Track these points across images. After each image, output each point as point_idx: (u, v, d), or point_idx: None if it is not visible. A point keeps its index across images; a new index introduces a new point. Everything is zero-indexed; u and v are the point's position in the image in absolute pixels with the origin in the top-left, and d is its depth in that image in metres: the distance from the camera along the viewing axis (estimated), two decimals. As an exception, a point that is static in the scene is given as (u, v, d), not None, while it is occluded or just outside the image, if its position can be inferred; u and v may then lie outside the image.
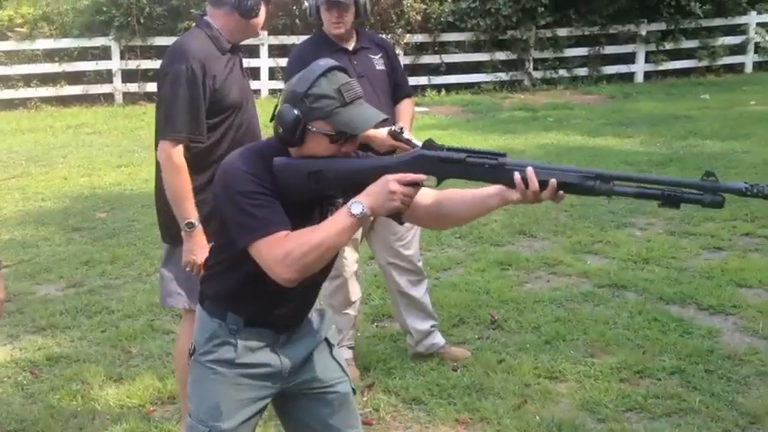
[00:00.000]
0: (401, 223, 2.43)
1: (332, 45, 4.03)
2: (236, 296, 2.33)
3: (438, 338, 4.33)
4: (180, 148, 3.21)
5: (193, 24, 3.51)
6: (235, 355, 2.35)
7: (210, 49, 3.29)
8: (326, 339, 2.52)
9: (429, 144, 2.24)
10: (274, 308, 2.33)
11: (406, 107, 4.21)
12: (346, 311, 4.19)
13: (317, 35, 4.18)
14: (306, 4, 4.06)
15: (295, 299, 2.35)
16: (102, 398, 3.97)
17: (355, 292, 4.22)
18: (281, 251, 2.13)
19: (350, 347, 4.23)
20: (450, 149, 2.23)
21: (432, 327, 4.31)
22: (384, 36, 13.93)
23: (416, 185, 2.18)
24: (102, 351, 4.51)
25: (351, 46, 4.09)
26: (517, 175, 2.12)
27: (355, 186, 2.19)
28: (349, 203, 2.14)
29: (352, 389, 2.56)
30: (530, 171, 2.12)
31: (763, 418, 3.60)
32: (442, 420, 3.70)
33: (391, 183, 2.13)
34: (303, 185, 2.19)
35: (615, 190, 2.12)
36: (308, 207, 2.24)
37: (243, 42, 3.51)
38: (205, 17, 3.40)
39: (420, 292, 4.29)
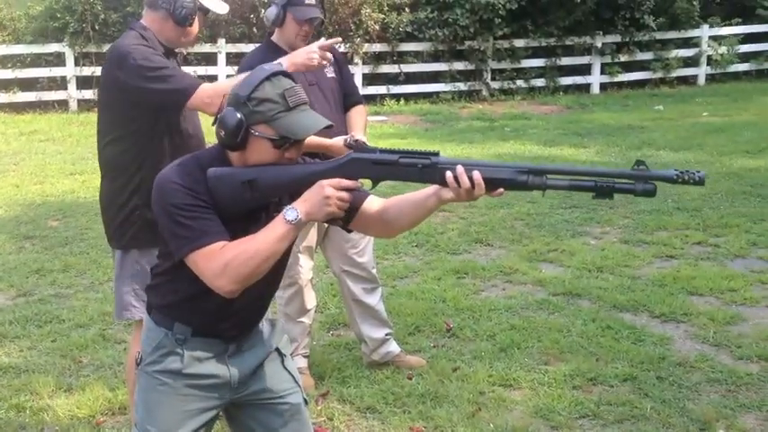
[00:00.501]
0: (348, 231, 2.42)
1: (283, 54, 3.92)
2: (183, 307, 2.31)
3: (393, 347, 4.33)
4: (203, 86, 3.18)
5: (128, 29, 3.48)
6: (181, 365, 2.31)
7: (144, 49, 3.28)
8: (278, 349, 2.50)
9: (362, 146, 2.25)
10: (222, 318, 2.31)
11: (357, 114, 4.19)
12: (301, 320, 4.16)
13: (267, 44, 4.12)
14: (269, 11, 3.95)
15: (243, 310, 2.33)
16: (52, 409, 3.89)
17: (310, 300, 4.20)
18: (219, 263, 2.11)
19: (305, 356, 4.21)
20: (382, 151, 2.23)
21: (387, 335, 4.31)
22: (342, 45, 13.99)
23: (351, 190, 2.18)
24: (52, 361, 4.42)
25: None
26: (449, 174, 2.13)
27: (292, 193, 2.18)
28: (284, 210, 2.13)
29: (304, 399, 2.54)
30: (459, 169, 2.13)
31: (712, 424, 3.65)
32: (396, 429, 3.69)
33: (326, 188, 2.14)
34: (238, 195, 2.17)
35: (548, 184, 2.14)
36: (254, 212, 2.22)
37: (201, 51, 3.53)
38: (140, 21, 3.41)
39: (374, 299, 4.28)
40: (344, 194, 2.16)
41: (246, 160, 2.21)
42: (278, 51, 3.97)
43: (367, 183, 2.28)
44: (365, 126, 4.20)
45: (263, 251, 2.11)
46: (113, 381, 4.15)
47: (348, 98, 4.20)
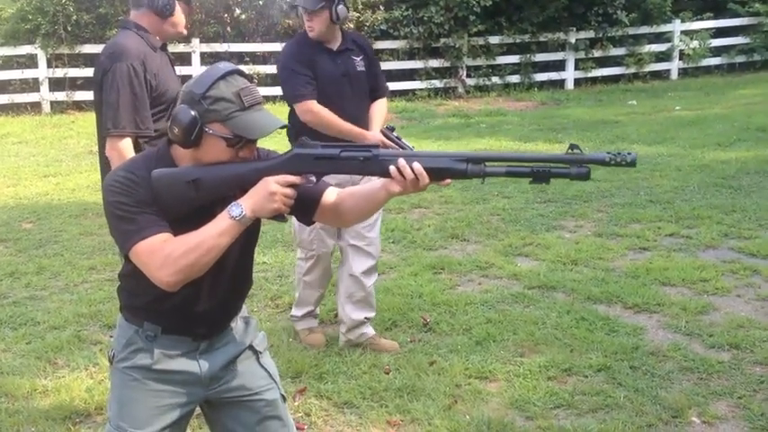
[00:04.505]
0: (310, 223, 2.45)
1: (317, 45, 4.31)
2: (149, 308, 2.31)
3: (368, 329, 4.48)
4: (127, 141, 3.34)
5: (120, 28, 3.67)
6: (151, 361, 2.32)
7: (144, 47, 3.44)
8: (252, 346, 2.50)
9: (304, 142, 2.25)
10: (188, 318, 2.31)
11: (380, 106, 4.50)
12: (319, 288, 4.57)
13: (302, 36, 4.41)
14: (296, 7, 4.33)
15: (210, 311, 2.33)
16: (27, 411, 3.87)
17: (328, 272, 4.58)
18: (161, 254, 2.11)
19: (314, 317, 4.65)
20: (324, 146, 2.25)
21: (366, 318, 4.46)
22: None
23: (296, 185, 2.19)
24: (28, 363, 4.39)
25: (335, 46, 4.34)
26: (392, 168, 2.16)
27: (237, 191, 2.18)
28: (229, 206, 2.13)
29: (282, 396, 2.54)
30: (401, 162, 2.15)
31: (685, 412, 3.70)
32: (374, 423, 3.70)
33: (271, 184, 2.14)
34: (184, 195, 2.17)
35: (487, 171, 2.17)
36: (209, 209, 2.19)
37: (175, 50, 3.63)
38: (130, 19, 3.55)
39: (371, 281, 4.46)
40: (289, 191, 2.16)
41: (200, 158, 2.20)
42: (313, 43, 4.32)
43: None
44: (384, 118, 4.50)
45: (204, 244, 2.11)
46: (89, 382, 4.13)
47: (373, 92, 4.49)
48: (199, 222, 2.15)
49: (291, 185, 2.17)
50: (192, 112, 2.13)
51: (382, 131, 4.31)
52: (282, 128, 2.21)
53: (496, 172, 2.18)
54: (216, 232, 2.12)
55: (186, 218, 2.17)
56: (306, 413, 3.81)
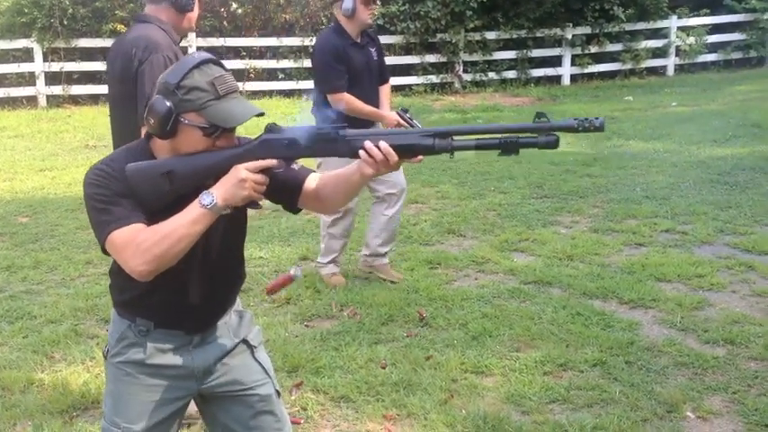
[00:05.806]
0: (296, 211, 2.44)
1: (349, 38, 5.08)
2: (139, 303, 2.31)
3: (385, 258, 5.43)
4: None
5: (127, 23, 3.74)
6: (144, 356, 2.32)
7: (169, 41, 3.47)
8: (246, 341, 2.50)
9: (272, 127, 2.23)
10: (179, 313, 2.31)
11: (386, 91, 5.34)
12: (343, 239, 5.32)
13: (337, 28, 5.15)
14: (345, 4, 5.03)
15: (200, 305, 2.33)
16: (24, 404, 3.87)
17: (351, 224, 5.36)
18: (133, 244, 2.10)
19: (337, 264, 5.36)
20: (292, 130, 2.24)
21: (388, 250, 5.43)
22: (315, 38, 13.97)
23: (268, 170, 2.18)
24: (24, 357, 4.39)
25: (359, 40, 5.10)
26: (361, 151, 2.15)
27: (212, 180, 2.17)
28: (201, 195, 2.12)
29: (277, 391, 2.54)
30: (367, 143, 2.14)
31: (680, 407, 3.72)
32: (370, 417, 3.71)
33: (241, 171, 2.13)
34: (159, 188, 2.15)
35: (455, 145, 2.16)
36: (186, 200, 2.16)
37: None
38: (149, 13, 3.54)
39: (398, 216, 5.39)
40: (260, 177, 2.15)
41: (177, 149, 2.19)
42: (346, 35, 5.09)
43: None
44: (389, 100, 5.33)
45: (176, 233, 2.09)
46: (86, 375, 4.13)
47: (382, 75, 5.28)
48: (176, 210, 2.14)
49: (262, 171, 2.16)
50: (167, 103, 2.12)
51: (397, 113, 4.93)
52: (259, 115, 2.19)
53: (465, 146, 2.16)
54: (187, 221, 2.10)
55: (164, 210, 2.16)
56: (302, 407, 3.82)
